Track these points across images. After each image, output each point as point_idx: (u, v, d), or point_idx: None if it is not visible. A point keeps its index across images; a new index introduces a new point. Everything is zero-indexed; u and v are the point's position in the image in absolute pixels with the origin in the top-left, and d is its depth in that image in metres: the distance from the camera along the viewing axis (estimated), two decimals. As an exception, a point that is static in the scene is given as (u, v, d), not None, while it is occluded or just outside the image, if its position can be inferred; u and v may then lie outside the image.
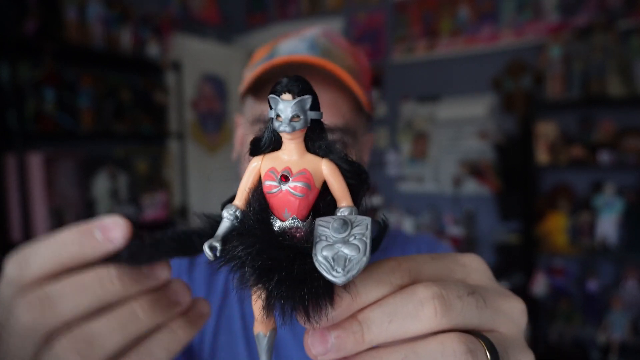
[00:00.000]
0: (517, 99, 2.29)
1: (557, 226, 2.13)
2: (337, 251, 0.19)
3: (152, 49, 2.29)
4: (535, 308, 2.16)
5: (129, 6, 2.20)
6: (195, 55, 2.81)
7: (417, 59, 2.69)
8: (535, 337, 2.14)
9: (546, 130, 2.13)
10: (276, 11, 3.17)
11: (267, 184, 0.22)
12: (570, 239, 2.12)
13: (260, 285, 0.20)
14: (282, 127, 0.21)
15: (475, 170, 2.51)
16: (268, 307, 0.21)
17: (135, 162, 2.30)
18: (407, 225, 2.66)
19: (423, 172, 2.70)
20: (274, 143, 0.23)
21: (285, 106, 0.21)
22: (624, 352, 1.95)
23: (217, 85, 3.02)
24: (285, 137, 0.22)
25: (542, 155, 2.12)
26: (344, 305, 0.21)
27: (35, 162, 1.76)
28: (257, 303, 0.22)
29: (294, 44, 0.56)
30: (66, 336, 0.22)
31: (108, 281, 0.23)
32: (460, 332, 0.23)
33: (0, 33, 1.67)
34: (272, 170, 0.22)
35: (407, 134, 2.74)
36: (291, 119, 0.21)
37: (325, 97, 0.54)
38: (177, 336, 0.25)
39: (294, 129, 0.21)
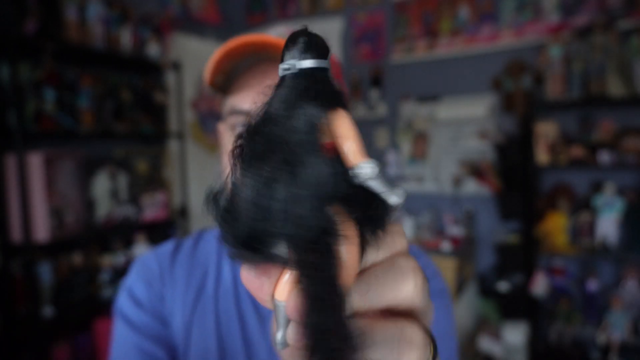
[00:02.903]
0: (517, 99, 2.30)
1: (557, 226, 2.13)
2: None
3: (152, 49, 2.29)
4: (535, 308, 2.16)
5: (129, 6, 2.20)
6: (195, 55, 2.81)
7: (417, 59, 2.69)
8: (535, 337, 2.14)
9: (546, 130, 2.13)
10: (276, 11, 3.17)
11: None
12: (570, 239, 2.12)
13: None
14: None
15: (475, 170, 2.51)
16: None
17: (135, 162, 2.30)
18: (407, 225, 2.66)
19: (423, 172, 2.70)
20: None
21: None
22: (624, 352, 1.95)
23: (217, 85, 3.02)
24: None
25: (542, 155, 2.12)
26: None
27: (35, 162, 1.76)
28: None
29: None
30: None
31: None
32: (417, 321, 0.23)
33: (0, 33, 1.67)
34: None
35: (407, 134, 2.74)
36: None
37: None
38: None
39: None
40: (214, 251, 0.64)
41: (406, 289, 0.22)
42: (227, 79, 0.55)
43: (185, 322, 0.58)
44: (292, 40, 0.21)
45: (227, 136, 0.58)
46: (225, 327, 0.57)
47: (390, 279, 0.22)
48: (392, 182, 0.22)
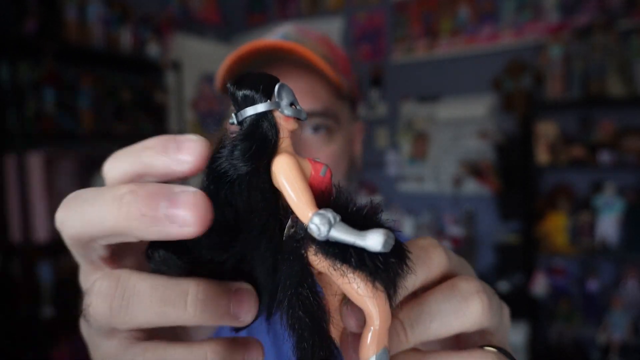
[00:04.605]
0: (517, 99, 2.29)
1: (557, 226, 2.13)
2: None
3: (152, 49, 2.29)
4: (535, 308, 2.16)
5: (129, 6, 2.20)
6: (195, 55, 2.81)
7: (417, 59, 2.69)
8: (535, 337, 2.14)
9: (546, 130, 2.13)
10: (276, 11, 3.17)
11: (325, 170, 0.20)
12: (570, 239, 2.11)
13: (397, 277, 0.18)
14: (304, 115, 0.20)
15: (475, 170, 2.51)
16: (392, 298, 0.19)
17: (135, 162, 2.30)
18: (407, 225, 2.66)
19: (423, 172, 2.70)
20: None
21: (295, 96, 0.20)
22: (624, 353, 1.95)
23: (217, 85, 3.02)
24: (292, 128, 0.20)
25: (542, 155, 2.12)
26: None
27: (35, 162, 1.76)
28: (381, 305, 0.18)
29: (267, 39, 0.57)
30: (141, 347, 0.20)
31: (190, 305, 0.19)
32: (492, 348, 0.22)
33: (0, 33, 1.67)
34: (311, 159, 0.20)
35: (407, 134, 2.73)
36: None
37: (301, 84, 0.54)
38: None
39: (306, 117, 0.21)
40: None
41: (473, 313, 0.21)
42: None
43: None
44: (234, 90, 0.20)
45: None
46: (254, 325, 0.57)
47: (454, 306, 0.21)
48: (373, 216, 0.19)
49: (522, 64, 2.31)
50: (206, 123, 2.97)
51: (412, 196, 2.74)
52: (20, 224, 1.73)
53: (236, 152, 0.19)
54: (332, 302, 0.20)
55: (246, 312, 0.19)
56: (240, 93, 0.20)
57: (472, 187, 2.53)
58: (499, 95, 2.40)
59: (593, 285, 2.09)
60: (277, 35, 0.58)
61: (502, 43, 2.42)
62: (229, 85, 0.20)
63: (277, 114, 0.20)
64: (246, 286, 0.20)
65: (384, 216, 0.19)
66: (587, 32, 2.07)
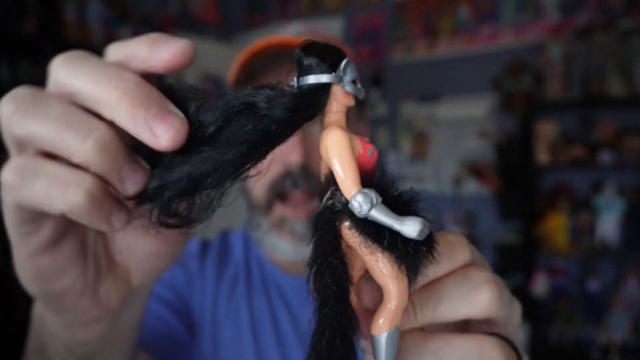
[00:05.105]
0: (517, 99, 2.29)
1: (557, 226, 2.13)
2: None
3: (152, 49, 2.29)
4: (535, 308, 2.16)
5: (129, 6, 2.20)
6: (195, 55, 2.81)
7: (417, 59, 2.69)
8: (535, 337, 2.14)
9: (546, 130, 2.13)
10: (276, 11, 3.17)
11: (373, 150, 0.21)
12: (570, 239, 2.11)
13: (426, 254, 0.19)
14: (363, 94, 0.21)
15: (475, 170, 2.51)
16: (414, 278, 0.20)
17: (135, 162, 2.30)
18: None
19: (423, 172, 2.70)
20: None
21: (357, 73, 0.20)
22: (624, 353, 1.95)
23: (217, 85, 3.02)
24: (349, 105, 0.21)
25: (542, 155, 2.12)
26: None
27: (35, 162, 1.76)
28: (399, 283, 0.19)
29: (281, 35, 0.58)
30: (24, 157, 0.20)
31: (101, 145, 0.19)
32: (496, 335, 0.23)
33: (0, 33, 1.67)
34: (362, 137, 0.21)
35: (407, 134, 2.73)
36: None
37: None
38: None
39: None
40: (241, 250, 0.65)
41: (481, 301, 0.22)
42: (249, 77, 0.57)
43: (220, 315, 0.59)
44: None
45: None
46: (259, 324, 0.59)
47: (463, 292, 0.22)
48: (411, 203, 0.20)
49: (522, 64, 2.31)
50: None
51: (412, 196, 2.74)
52: (20, 224, 1.73)
53: (280, 101, 0.19)
54: (354, 276, 0.21)
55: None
56: (306, 60, 0.20)
57: (472, 187, 2.53)
58: (499, 95, 2.40)
59: (593, 285, 2.09)
60: (289, 33, 0.58)
61: (502, 43, 2.42)
62: (297, 50, 0.20)
63: (336, 88, 0.20)
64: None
65: (421, 206, 0.20)
66: (587, 32, 2.07)
